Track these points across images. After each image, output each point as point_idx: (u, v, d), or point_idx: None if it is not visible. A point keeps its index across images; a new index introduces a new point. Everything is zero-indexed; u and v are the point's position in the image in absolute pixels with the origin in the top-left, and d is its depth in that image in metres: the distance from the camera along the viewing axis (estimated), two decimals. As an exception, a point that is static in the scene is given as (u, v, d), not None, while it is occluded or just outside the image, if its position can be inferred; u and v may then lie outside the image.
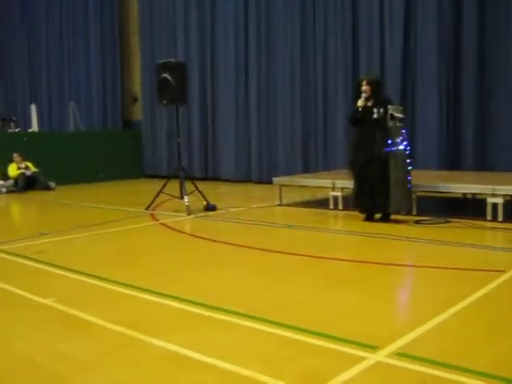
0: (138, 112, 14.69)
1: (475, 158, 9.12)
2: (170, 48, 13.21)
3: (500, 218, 6.42)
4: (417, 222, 6.59)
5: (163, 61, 8.36)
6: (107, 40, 14.70)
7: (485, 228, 6.25)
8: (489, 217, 6.51)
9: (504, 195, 6.50)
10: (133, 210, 8.12)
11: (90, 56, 14.96)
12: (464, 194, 7.95)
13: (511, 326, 3.24)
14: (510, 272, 4.35)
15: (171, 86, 7.80)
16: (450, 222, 6.52)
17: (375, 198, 6.61)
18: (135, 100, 14.82)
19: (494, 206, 6.49)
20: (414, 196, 6.84)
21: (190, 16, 12.83)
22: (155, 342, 3.09)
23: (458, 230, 6.17)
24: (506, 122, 8.82)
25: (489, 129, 9.05)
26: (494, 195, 6.50)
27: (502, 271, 4.35)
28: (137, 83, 14.61)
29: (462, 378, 2.55)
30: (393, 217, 6.74)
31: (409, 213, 6.73)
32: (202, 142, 12.86)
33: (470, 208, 7.89)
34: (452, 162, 9.34)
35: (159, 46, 13.54)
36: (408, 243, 5.65)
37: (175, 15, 13.16)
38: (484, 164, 9.01)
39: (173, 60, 8.45)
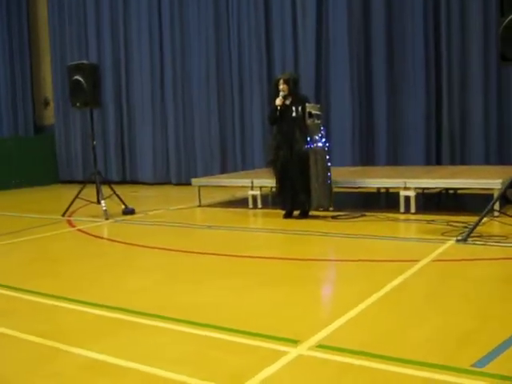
0: (50, 116, 14.25)
1: (387, 153, 9.43)
2: (82, 49, 12.89)
3: (412, 210, 6.67)
4: (334, 217, 6.74)
5: (75, 63, 8.13)
6: (15, 42, 14.14)
7: (398, 220, 6.46)
8: (402, 209, 6.75)
9: (415, 188, 6.76)
10: (48, 216, 7.87)
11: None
12: (378, 188, 8.21)
13: (426, 313, 3.37)
14: (424, 261, 4.52)
15: (84, 89, 7.61)
16: (365, 215, 6.71)
17: (296, 195, 6.71)
18: (47, 104, 14.37)
19: (407, 198, 6.73)
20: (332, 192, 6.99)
21: (102, 17, 12.56)
22: (77, 351, 3.00)
23: (374, 223, 6.35)
24: (413, 118, 9.17)
25: (399, 125, 9.38)
26: (406, 188, 6.74)
27: (416, 260, 4.52)
28: (48, 86, 14.17)
29: (381, 366, 2.63)
30: (311, 213, 6.86)
31: (328, 208, 6.87)
32: (119, 145, 12.61)
33: (384, 202, 8.16)
34: (365, 157, 9.62)
35: (71, 47, 13.16)
36: (326, 238, 5.77)
37: (86, 16, 12.84)
38: (396, 159, 9.34)
39: (85, 62, 8.24)
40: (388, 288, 3.83)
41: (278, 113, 6.72)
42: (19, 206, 9.61)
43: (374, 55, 9.51)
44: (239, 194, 8.83)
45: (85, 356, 2.94)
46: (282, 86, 6.72)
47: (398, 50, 9.31)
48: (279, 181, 6.87)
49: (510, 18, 5.12)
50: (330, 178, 6.73)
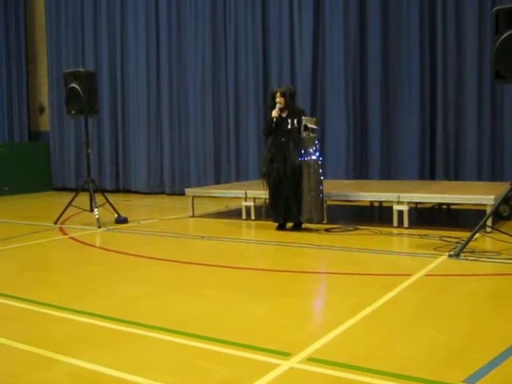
0: (45, 123, 14.23)
1: (381, 168, 9.45)
2: (79, 56, 12.87)
3: (406, 225, 6.68)
4: (327, 230, 6.74)
5: (71, 70, 8.15)
6: (12, 48, 14.13)
7: (391, 234, 6.48)
8: (395, 223, 6.76)
9: (409, 202, 6.78)
10: (40, 224, 7.84)
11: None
12: (371, 202, 8.22)
13: (418, 328, 3.37)
14: (416, 275, 4.53)
15: (80, 96, 7.61)
16: (358, 229, 6.72)
17: (289, 207, 6.72)
18: (42, 110, 14.36)
19: (400, 213, 6.75)
20: (324, 205, 6.99)
21: (100, 25, 12.55)
22: (67, 359, 2.98)
23: (367, 236, 6.36)
24: (408, 133, 9.20)
25: (393, 139, 9.41)
26: (399, 203, 6.76)
27: (409, 275, 4.53)
28: (44, 93, 14.16)
29: (372, 380, 2.62)
30: (304, 225, 6.87)
31: (320, 221, 6.88)
32: (113, 154, 12.58)
33: (378, 215, 8.17)
34: (359, 171, 9.64)
35: (67, 53, 13.15)
36: (319, 251, 5.77)
37: (83, 23, 12.84)
38: (389, 173, 9.36)
39: (81, 69, 8.23)
40: (380, 302, 3.83)
41: (273, 125, 6.75)
42: (11, 213, 9.57)
43: (369, 70, 9.54)
44: (233, 205, 8.83)
45: (75, 365, 2.92)
46: (278, 99, 6.76)
47: (393, 65, 9.35)
48: (272, 193, 6.87)
49: (504, 35, 5.16)
50: (322, 192, 6.74)
